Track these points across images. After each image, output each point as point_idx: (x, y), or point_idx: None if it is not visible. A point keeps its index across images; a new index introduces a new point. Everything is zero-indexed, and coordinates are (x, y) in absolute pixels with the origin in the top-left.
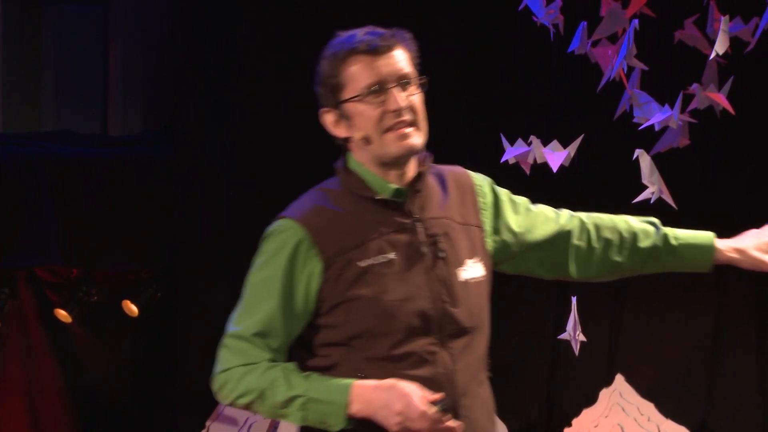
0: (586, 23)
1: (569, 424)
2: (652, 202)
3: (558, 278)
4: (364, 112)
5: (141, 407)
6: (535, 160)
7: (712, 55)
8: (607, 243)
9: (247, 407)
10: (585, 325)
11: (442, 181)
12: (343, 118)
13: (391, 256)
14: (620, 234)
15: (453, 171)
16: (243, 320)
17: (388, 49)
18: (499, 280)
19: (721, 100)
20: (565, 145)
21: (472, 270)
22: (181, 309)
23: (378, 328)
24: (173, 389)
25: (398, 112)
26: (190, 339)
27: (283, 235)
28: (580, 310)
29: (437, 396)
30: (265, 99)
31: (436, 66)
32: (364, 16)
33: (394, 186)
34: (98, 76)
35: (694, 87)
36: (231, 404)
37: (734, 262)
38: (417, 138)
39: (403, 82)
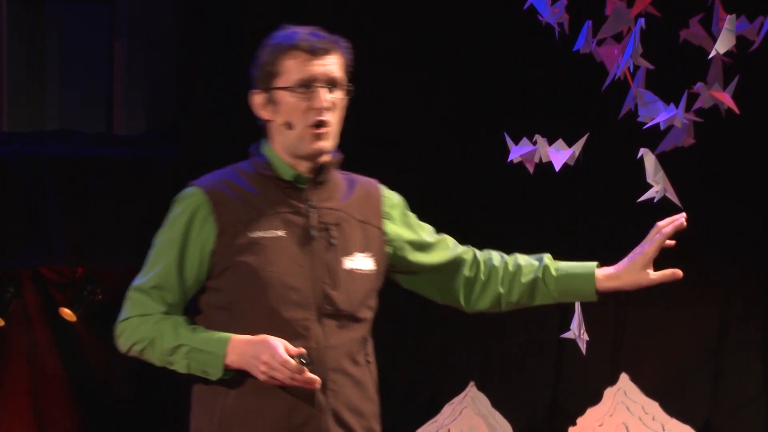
0: (591, 22)
1: (574, 423)
2: (656, 200)
3: (450, 304)
4: (291, 103)
5: (145, 406)
6: (540, 159)
7: (713, 54)
8: (493, 275)
9: (141, 354)
10: (590, 325)
11: (351, 183)
12: (271, 102)
13: (281, 233)
14: (505, 267)
15: (365, 180)
16: (144, 275)
17: (325, 52)
18: None
19: (725, 99)
20: (570, 144)
21: (361, 262)
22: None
23: (257, 296)
24: (177, 388)
25: (320, 110)
26: None
27: (188, 201)
28: (585, 309)
29: (297, 350)
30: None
31: (440, 65)
32: (367, 16)
33: (296, 172)
34: (103, 75)
35: (699, 86)
36: (127, 352)
37: (617, 288)
38: (328, 141)
39: (331, 84)
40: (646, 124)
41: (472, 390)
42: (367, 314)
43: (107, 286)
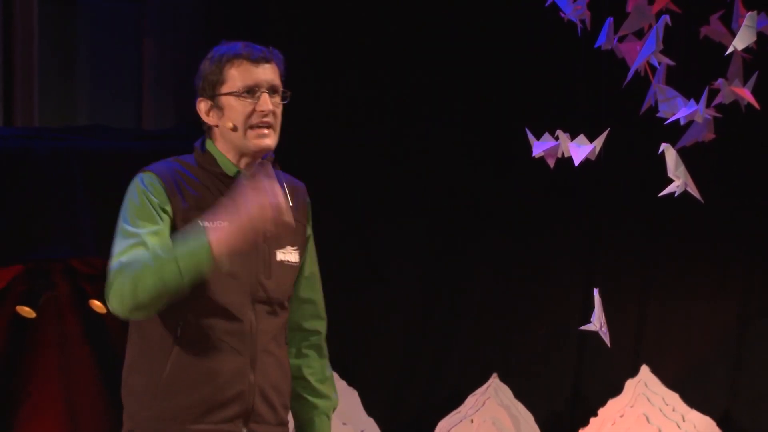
0: (612, 19)
1: (595, 414)
2: (677, 195)
3: None
4: (236, 107)
5: None
6: (562, 154)
7: (731, 49)
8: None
9: (133, 293)
10: (611, 317)
11: (280, 181)
12: (216, 108)
13: (224, 224)
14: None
15: (293, 179)
16: (118, 247)
17: (266, 61)
18: (526, 275)
19: (746, 94)
20: (591, 140)
21: (290, 255)
22: None
23: (199, 281)
24: None
25: (264, 113)
26: None
27: (147, 181)
28: (607, 302)
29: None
30: (293, 94)
31: (464, 61)
32: (394, 16)
33: (237, 168)
34: (132, 71)
35: (720, 82)
36: (120, 303)
37: None
38: (272, 140)
39: (272, 90)
40: (667, 119)
41: (495, 381)
42: (287, 302)
43: None
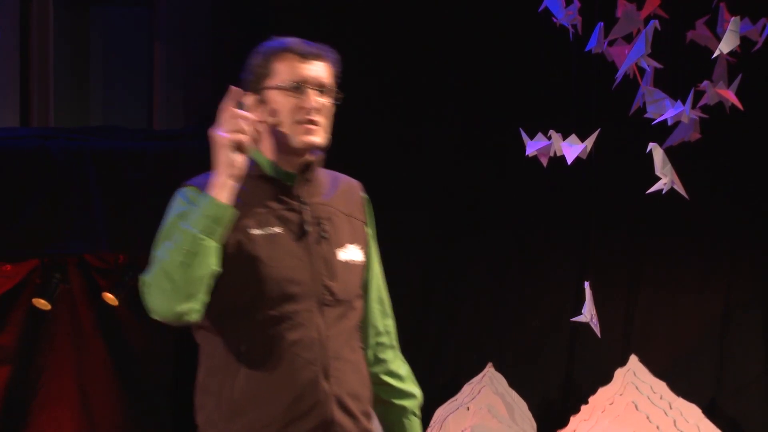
0: (602, 24)
1: (586, 402)
2: (664, 192)
3: None
4: (282, 102)
5: (182, 384)
6: (554, 153)
7: (716, 53)
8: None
9: (165, 277)
10: (601, 309)
11: (334, 180)
12: (261, 103)
13: (278, 230)
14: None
15: (349, 179)
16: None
17: (316, 57)
18: (520, 269)
19: (730, 96)
20: (582, 139)
21: (352, 253)
22: None
23: (260, 290)
24: None
25: (310, 110)
26: None
27: (185, 197)
28: (598, 295)
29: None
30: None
31: (459, 64)
32: (394, 17)
33: (285, 170)
34: (143, 73)
35: (705, 84)
36: (148, 293)
37: None
38: (319, 136)
39: (321, 88)
40: (655, 120)
41: (490, 370)
42: (359, 303)
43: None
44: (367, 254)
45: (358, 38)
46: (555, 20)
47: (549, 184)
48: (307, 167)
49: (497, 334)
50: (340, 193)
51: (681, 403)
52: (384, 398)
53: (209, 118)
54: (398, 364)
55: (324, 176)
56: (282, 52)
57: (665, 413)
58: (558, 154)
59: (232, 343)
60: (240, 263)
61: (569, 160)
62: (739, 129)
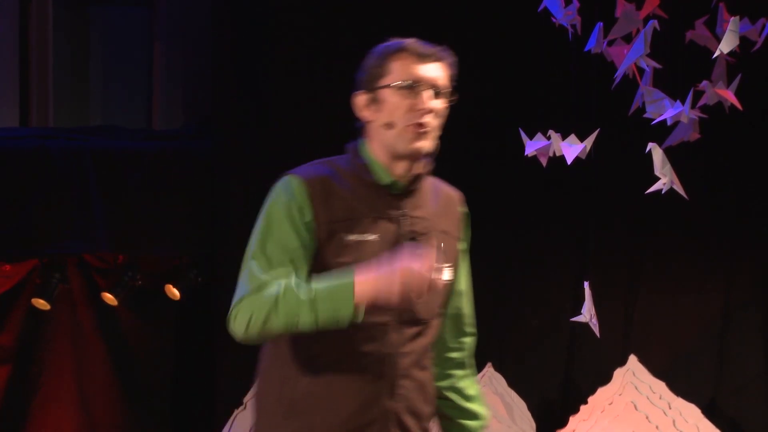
0: (602, 24)
1: (585, 402)
2: (663, 192)
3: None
4: (395, 102)
5: (182, 384)
6: (554, 153)
7: (717, 53)
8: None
9: (263, 326)
10: (601, 309)
11: (436, 192)
12: (374, 102)
13: (373, 237)
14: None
15: (450, 190)
16: (252, 258)
17: (433, 58)
18: (520, 269)
19: (729, 96)
20: (582, 139)
21: (442, 273)
22: (219, 293)
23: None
24: (212, 367)
25: (424, 112)
26: None
27: (292, 188)
28: (597, 295)
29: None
30: (300, 95)
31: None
32: (393, 16)
33: (392, 178)
34: (143, 74)
35: (704, 84)
36: (246, 331)
37: None
38: (429, 143)
39: (436, 89)
40: (654, 119)
41: (489, 370)
42: (438, 321)
43: (146, 272)
44: (455, 272)
45: (357, 38)
46: (554, 20)
47: (549, 184)
48: (415, 179)
49: (497, 334)
50: (440, 208)
51: (680, 403)
52: (448, 414)
53: (209, 118)
54: (468, 382)
55: (428, 186)
56: (398, 52)
57: (664, 413)
58: (557, 154)
59: (304, 345)
60: (327, 264)
61: (569, 160)
62: (738, 129)
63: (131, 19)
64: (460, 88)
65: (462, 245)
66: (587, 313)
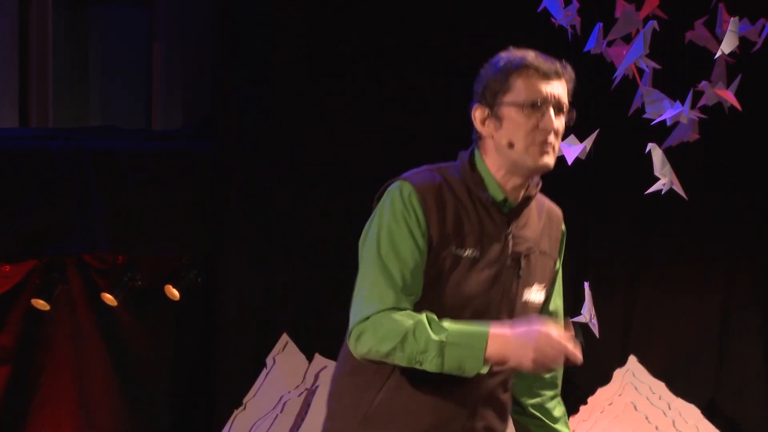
0: (601, 24)
1: (585, 402)
2: (663, 192)
3: None
4: (518, 121)
5: (181, 384)
6: None
7: (719, 54)
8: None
9: (385, 357)
10: (600, 310)
11: (540, 209)
12: (494, 117)
13: (477, 254)
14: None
15: (552, 207)
16: (372, 270)
17: (557, 76)
18: None
19: (729, 96)
20: (581, 140)
21: (536, 294)
22: (219, 293)
23: (439, 308)
24: (212, 368)
25: (548, 132)
26: (228, 321)
27: (407, 197)
28: (596, 295)
29: (569, 332)
30: (299, 95)
31: (458, 64)
32: (393, 17)
33: (505, 195)
34: (142, 74)
35: (704, 84)
36: (366, 354)
37: None
38: (552, 160)
39: (558, 108)
40: (654, 120)
41: None
42: None
43: (146, 272)
44: (548, 292)
45: (357, 38)
46: (554, 21)
47: (547, 184)
48: (525, 199)
49: None
50: (544, 227)
51: (680, 403)
52: (533, 431)
53: (209, 118)
54: (554, 404)
55: (534, 203)
56: (523, 68)
57: (664, 414)
58: (557, 154)
59: None
60: (435, 276)
61: (569, 161)
62: (738, 129)
63: (131, 19)
64: (460, 88)
65: (558, 265)
66: (587, 314)
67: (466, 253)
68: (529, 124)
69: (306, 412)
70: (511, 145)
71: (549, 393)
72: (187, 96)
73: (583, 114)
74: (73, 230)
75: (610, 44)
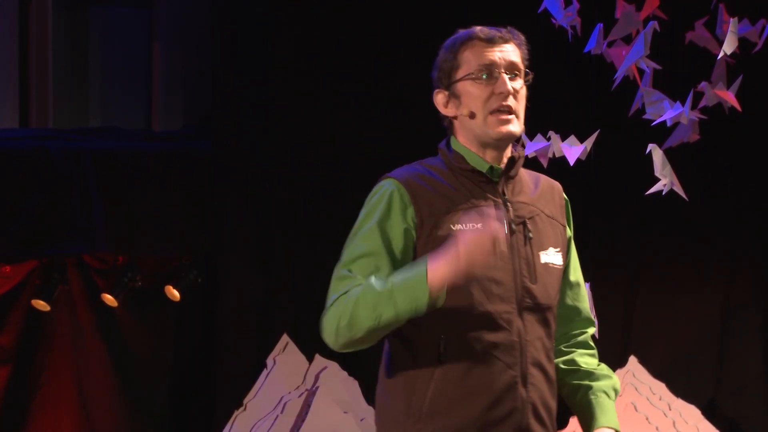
0: (602, 25)
1: None
2: (663, 193)
3: None
4: (473, 92)
5: (181, 385)
6: (554, 154)
7: (721, 55)
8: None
9: (349, 330)
10: (600, 310)
11: (536, 180)
12: (453, 97)
13: (480, 226)
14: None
15: (549, 179)
16: (344, 266)
17: (503, 41)
18: None
19: (729, 97)
20: (581, 140)
21: (553, 257)
22: (220, 293)
23: (459, 288)
24: (212, 368)
25: (504, 95)
26: (228, 321)
27: (385, 191)
28: (596, 295)
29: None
30: (299, 95)
31: None
32: (393, 16)
33: (490, 164)
34: (142, 74)
35: (704, 85)
36: (336, 339)
37: None
38: (515, 126)
39: (511, 71)
40: (654, 121)
41: None
42: (555, 308)
43: (146, 272)
44: (565, 260)
45: (357, 38)
46: (554, 21)
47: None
48: (511, 164)
49: None
50: (542, 193)
51: (680, 404)
52: (574, 383)
53: (209, 118)
54: (590, 354)
55: (526, 175)
56: (468, 41)
57: (664, 414)
58: (557, 155)
59: (431, 342)
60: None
61: (571, 162)
62: (738, 130)
63: (131, 20)
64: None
65: (569, 232)
66: None
67: (468, 228)
68: (485, 92)
69: (306, 413)
70: (472, 116)
71: (579, 349)
72: (187, 96)
73: (584, 114)
74: (73, 230)
75: (610, 45)
